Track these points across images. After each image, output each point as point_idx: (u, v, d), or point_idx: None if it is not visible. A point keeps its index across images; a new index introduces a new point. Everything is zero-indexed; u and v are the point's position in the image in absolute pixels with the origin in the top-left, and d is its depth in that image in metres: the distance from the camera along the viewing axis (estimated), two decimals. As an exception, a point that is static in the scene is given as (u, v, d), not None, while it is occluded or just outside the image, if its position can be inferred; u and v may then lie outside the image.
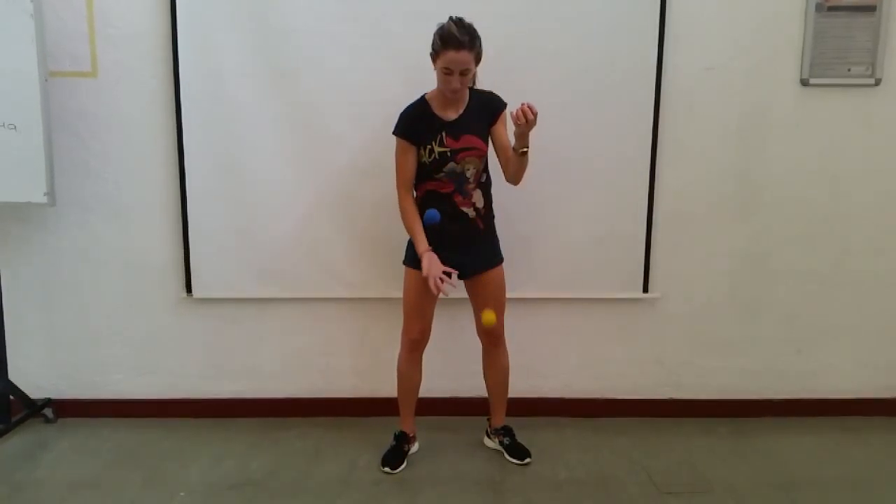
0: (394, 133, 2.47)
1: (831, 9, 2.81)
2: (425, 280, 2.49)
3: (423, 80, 2.47)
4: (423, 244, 2.43)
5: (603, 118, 2.84)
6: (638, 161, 2.88)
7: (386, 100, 2.64)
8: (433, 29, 2.35)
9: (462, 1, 2.48)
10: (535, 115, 2.17)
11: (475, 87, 2.50)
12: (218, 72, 2.78)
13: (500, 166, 2.52)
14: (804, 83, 2.86)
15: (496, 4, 2.73)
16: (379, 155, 2.73)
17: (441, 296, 2.38)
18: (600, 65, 2.80)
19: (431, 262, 2.38)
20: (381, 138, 2.69)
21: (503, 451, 2.73)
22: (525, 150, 2.32)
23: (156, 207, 2.91)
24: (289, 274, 2.92)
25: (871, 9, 2.81)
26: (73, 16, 2.76)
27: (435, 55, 2.32)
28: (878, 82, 2.86)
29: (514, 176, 2.47)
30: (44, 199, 2.68)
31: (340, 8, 2.75)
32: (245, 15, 2.74)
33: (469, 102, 2.48)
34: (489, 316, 2.43)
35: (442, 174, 2.45)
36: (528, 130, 2.24)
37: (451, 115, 2.45)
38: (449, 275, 2.36)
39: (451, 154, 2.43)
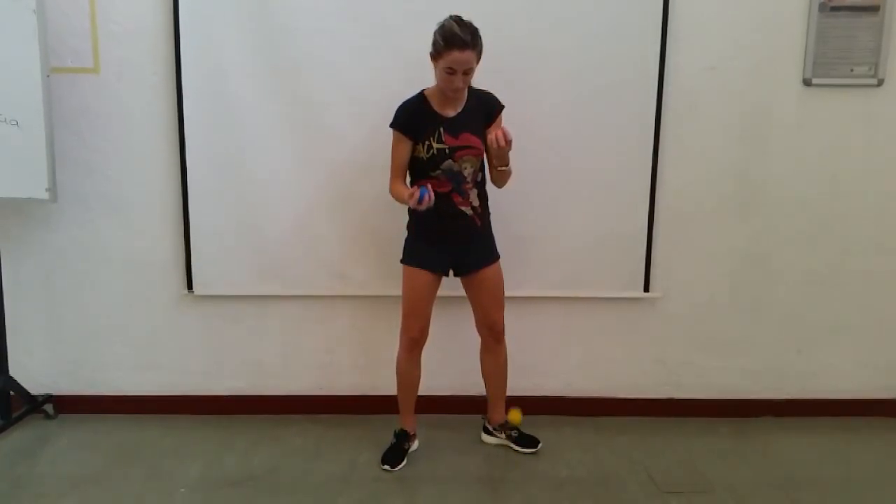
0: (391, 126, 2.47)
1: (834, 9, 2.80)
2: (425, 279, 2.49)
3: (424, 78, 2.47)
4: (406, 191, 2.37)
5: (605, 118, 2.84)
6: (639, 160, 2.88)
7: (387, 98, 2.63)
8: (434, 28, 2.35)
9: (463, 0, 2.49)
10: (508, 141, 2.26)
11: (471, 86, 2.50)
12: (220, 69, 2.77)
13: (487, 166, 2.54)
14: (806, 83, 2.86)
15: (498, 3, 2.73)
16: (380, 153, 2.72)
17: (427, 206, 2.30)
18: (602, 64, 2.80)
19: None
20: (381, 136, 2.69)
21: (512, 444, 2.74)
22: (503, 167, 2.42)
23: (157, 204, 2.91)
24: (289, 271, 2.92)
25: (874, 9, 2.81)
26: (75, 12, 2.76)
27: (437, 55, 2.31)
28: (880, 83, 2.86)
29: (497, 182, 2.55)
30: (45, 196, 2.68)
31: (342, 6, 2.75)
32: (247, 13, 2.74)
33: (467, 101, 2.48)
34: (515, 415, 2.46)
35: (439, 171, 2.45)
36: (504, 154, 2.32)
37: (450, 112, 2.46)
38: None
39: (450, 151, 2.43)
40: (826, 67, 2.85)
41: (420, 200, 2.26)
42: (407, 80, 2.60)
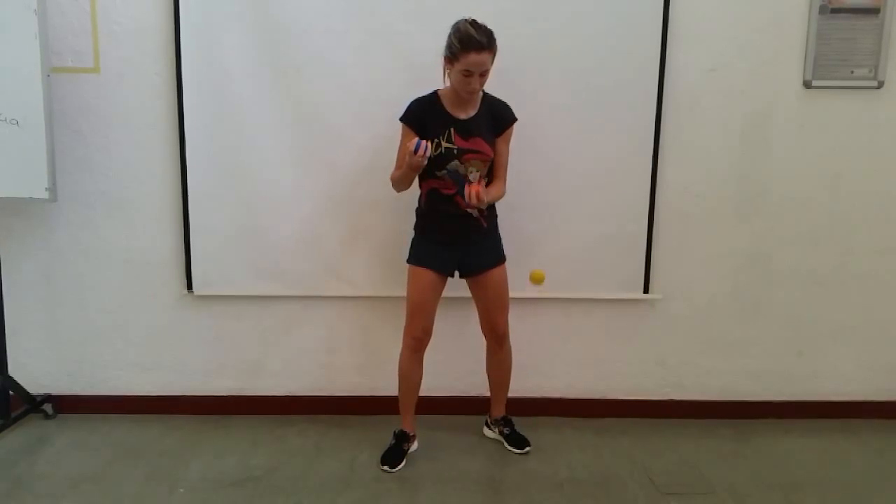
0: (400, 119, 2.47)
1: (835, 11, 2.81)
2: (429, 279, 2.50)
3: (428, 77, 2.47)
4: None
5: (606, 119, 2.84)
6: (640, 161, 2.88)
7: (389, 98, 2.64)
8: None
9: (468, 1, 2.49)
10: (479, 200, 2.31)
11: (487, 92, 2.50)
12: (221, 69, 2.77)
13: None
14: (807, 85, 2.86)
15: (498, 4, 2.72)
16: (381, 153, 2.73)
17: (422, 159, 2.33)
18: (603, 65, 2.80)
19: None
20: (384, 136, 2.69)
21: (503, 440, 2.76)
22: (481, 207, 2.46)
23: (157, 204, 2.91)
24: (290, 271, 2.91)
25: (874, 11, 2.81)
26: (76, 11, 2.76)
27: (453, 58, 2.31)
28: (881, 85, 2.86)
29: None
30: (45, 195, 2.67)
31: (343, 6, 2.74)
32: (248, 12, 2.74)
33: (480, 106, 2.48)
34: (538, 274, 2.43)
35: (444, 171, 2.45)
36: (479, 206, 2.38)
37: (462, 115, 2.46)
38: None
39: (458, 152, 2.43)
40: (826, 69, 2.85)
41: (416, 150, 2.28)
42: (409, 80, 2.61)
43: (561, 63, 2.80)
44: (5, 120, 2.62)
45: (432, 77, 2.45)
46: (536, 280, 2.42)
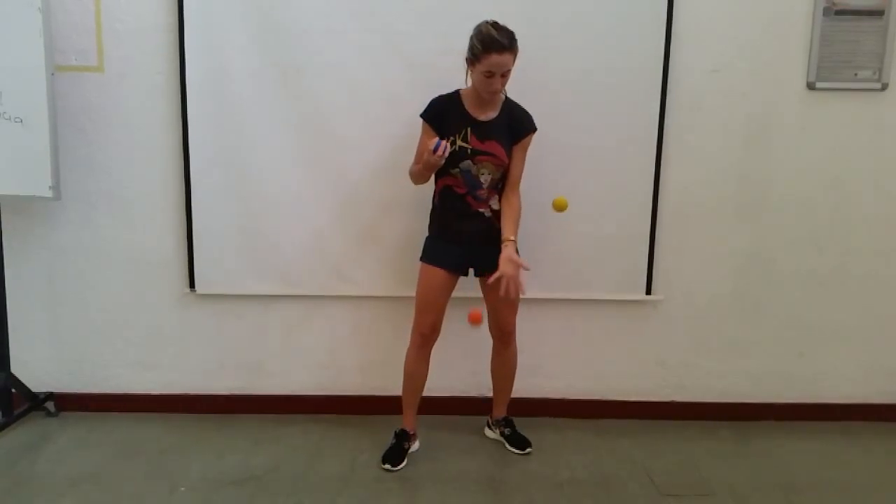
0: (421, 116, 2.47)
1: (838, 13, 2.80)
2: (439, 276, 2.51)
3: (431, 78, 2.48)
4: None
5: (608, 119, 2.83)
6: (643, 162, 2.87)
7: (390, 98, 2.64)
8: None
9: (469, 0, 2.49)
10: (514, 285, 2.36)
11: (509, 98, 2.50)
12: (224, 69, 2.78)
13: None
14: (810, 87, 2.86)
15: (501, 5, 2.72)
16: (383, 153, 2.73)
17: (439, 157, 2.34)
18: (607, 66, 2.80)
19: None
20: (387, 136, 2.70)
21: (504, 441, 2.76)
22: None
23: (160, 203, 2.91)
24: (292, 271, 2.92)
25: (878, 13, 2.80)
26: (80, 10, 2.77)
27: (475, 59, 2.32)
28: (884, 87, 2.86)
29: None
30: (49, 193, 2.68)
31: (348, 6, 2.74)
32: (252, 12, 2.74)
33: (500, 111, 2.48)
34: (561, 202, 2.45)
35: (457, 170, 2.45)
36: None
37: (482, 116, 2.46)
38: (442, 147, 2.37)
39: (472, 152, 2.43)
40: (830, 71, 2.84)
41: (435, 150, 2.29)
42: (410, 80, 2.62)
43: (563, 64, 2.79)
44: (9, 118, 2.63)
45: (433, 77, 2.46)
46: (559, 207, 2.42)
